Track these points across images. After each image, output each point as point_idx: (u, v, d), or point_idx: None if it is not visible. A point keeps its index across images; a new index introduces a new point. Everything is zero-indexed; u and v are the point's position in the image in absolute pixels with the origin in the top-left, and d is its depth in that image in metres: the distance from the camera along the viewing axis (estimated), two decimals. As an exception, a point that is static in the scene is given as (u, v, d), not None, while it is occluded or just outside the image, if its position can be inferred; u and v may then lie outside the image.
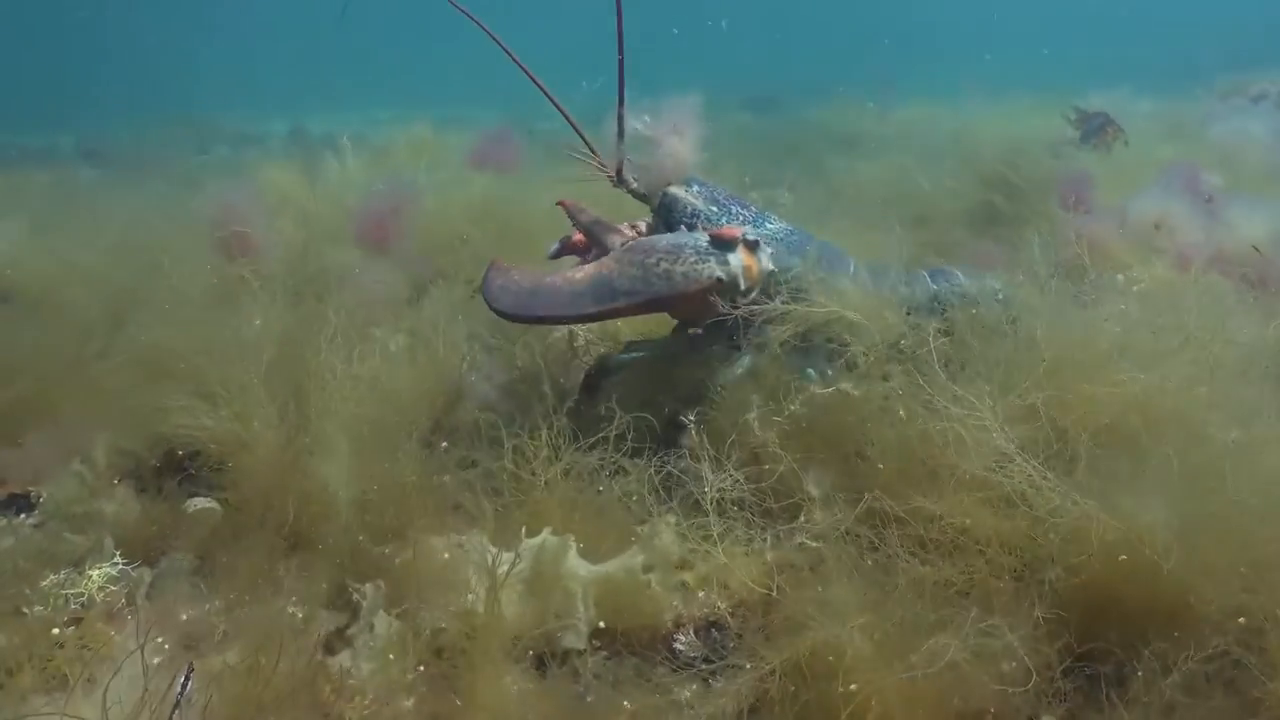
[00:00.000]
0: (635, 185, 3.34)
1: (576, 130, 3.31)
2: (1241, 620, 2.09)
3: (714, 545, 2.39)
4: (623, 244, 3.11)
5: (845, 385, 2.61)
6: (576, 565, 2.39)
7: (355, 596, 2.52)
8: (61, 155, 13.44)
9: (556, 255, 3.41)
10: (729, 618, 2.36)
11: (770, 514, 2.51)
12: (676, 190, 3.32)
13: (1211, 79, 11.51)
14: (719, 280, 2.93)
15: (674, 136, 3.26)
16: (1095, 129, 7.33)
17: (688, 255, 2.95)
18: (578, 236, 3.35)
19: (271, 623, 2.40)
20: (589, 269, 2.96)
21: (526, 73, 3.27)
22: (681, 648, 2.36)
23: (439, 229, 5.27)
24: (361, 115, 18.71)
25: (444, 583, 2.36)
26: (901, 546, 2.27)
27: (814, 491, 2.45)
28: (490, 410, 3.09)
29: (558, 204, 3.39)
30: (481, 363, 3.74)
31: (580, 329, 3.87)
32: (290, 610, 2.47)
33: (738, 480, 2.52)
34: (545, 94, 3.24)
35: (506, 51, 3.26)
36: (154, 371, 3.32)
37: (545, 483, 2.64)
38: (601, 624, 2.36)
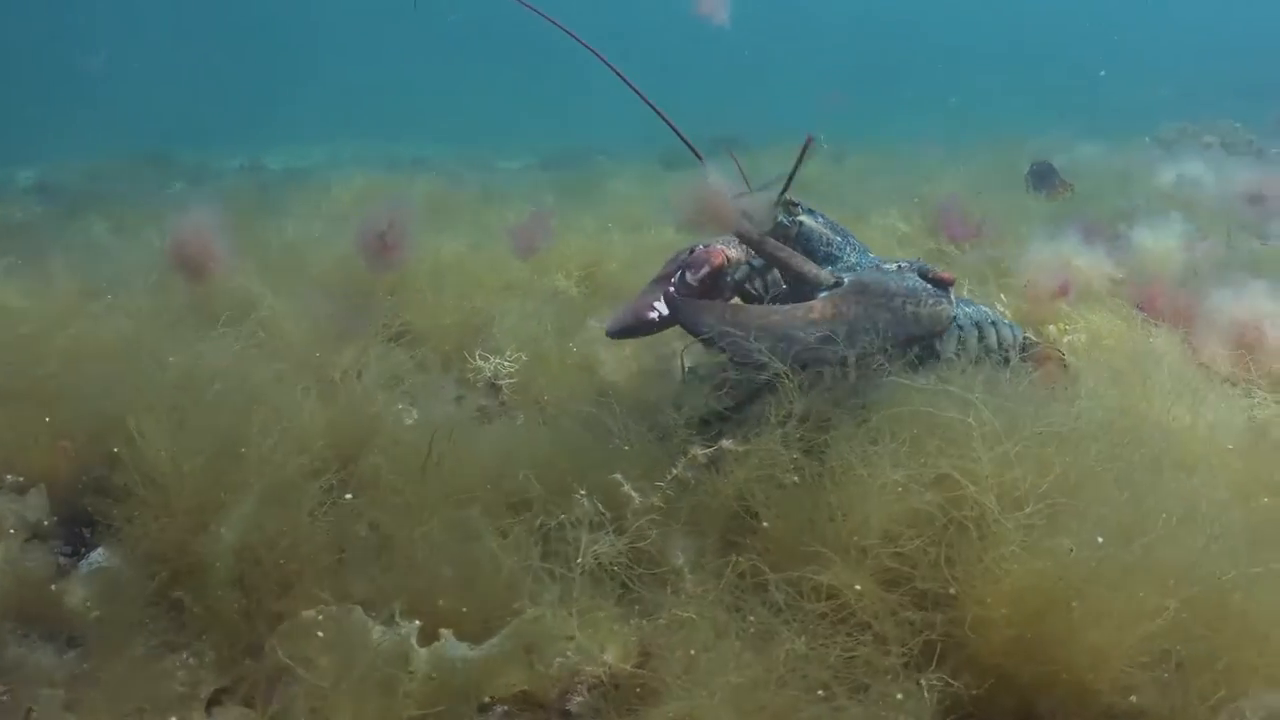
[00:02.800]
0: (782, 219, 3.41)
1: (742, 172, 3.36)
2: (1133, 699, 2.04)
3: (595, 612, 2.30)
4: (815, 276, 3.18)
5: (727, 443, 2.55)
6: (453, 650, 2.29)
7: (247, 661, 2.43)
8: (14, 189, 13.25)
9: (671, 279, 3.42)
10: (612, 686, 2.26)
11: (656, 579, 2.43)
12: (809, 221, 3.46)
13: (1159, 125, 11.76)
14: (950, 320, 3.13)
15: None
16: (1045, 179, 7.46)
17: (925, 298, 3.07)
18: (717, 260, 3.39)
19: (154, 685, 2.31)
20: (817, 310, 2.97)
21: (668, 122, 3.31)
22: (574, 709, 2.28)
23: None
24: (327, 150, 18.70)
25: (311, 660, 2.25)
26: (783, 616, 2.19)
27: (679, 561, 2.37)
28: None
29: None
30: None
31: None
32: (176, 671, 2.38)
33: (617, 545, 2.44)
34: (684, 141, 3.28)
35: (643, 98, 3.30)
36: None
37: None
38: (487, 698, 2.27)
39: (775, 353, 2.81)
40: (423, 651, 2.28)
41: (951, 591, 2.15)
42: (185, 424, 2.89)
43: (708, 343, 2.95)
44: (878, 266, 3.33)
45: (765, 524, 2.38)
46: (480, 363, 3.97)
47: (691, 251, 3.49)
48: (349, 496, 2.79)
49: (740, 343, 2.84)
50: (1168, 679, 2.04)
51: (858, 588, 2.18)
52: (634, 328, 3.28)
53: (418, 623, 2.31)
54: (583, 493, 2.63)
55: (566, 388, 3.83)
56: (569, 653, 2.25)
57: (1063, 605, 2.03)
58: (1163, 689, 2.03)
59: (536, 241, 5.17)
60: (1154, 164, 8.57)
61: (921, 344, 3.10)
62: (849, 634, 2.15)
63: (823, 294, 3.10)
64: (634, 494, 2.67)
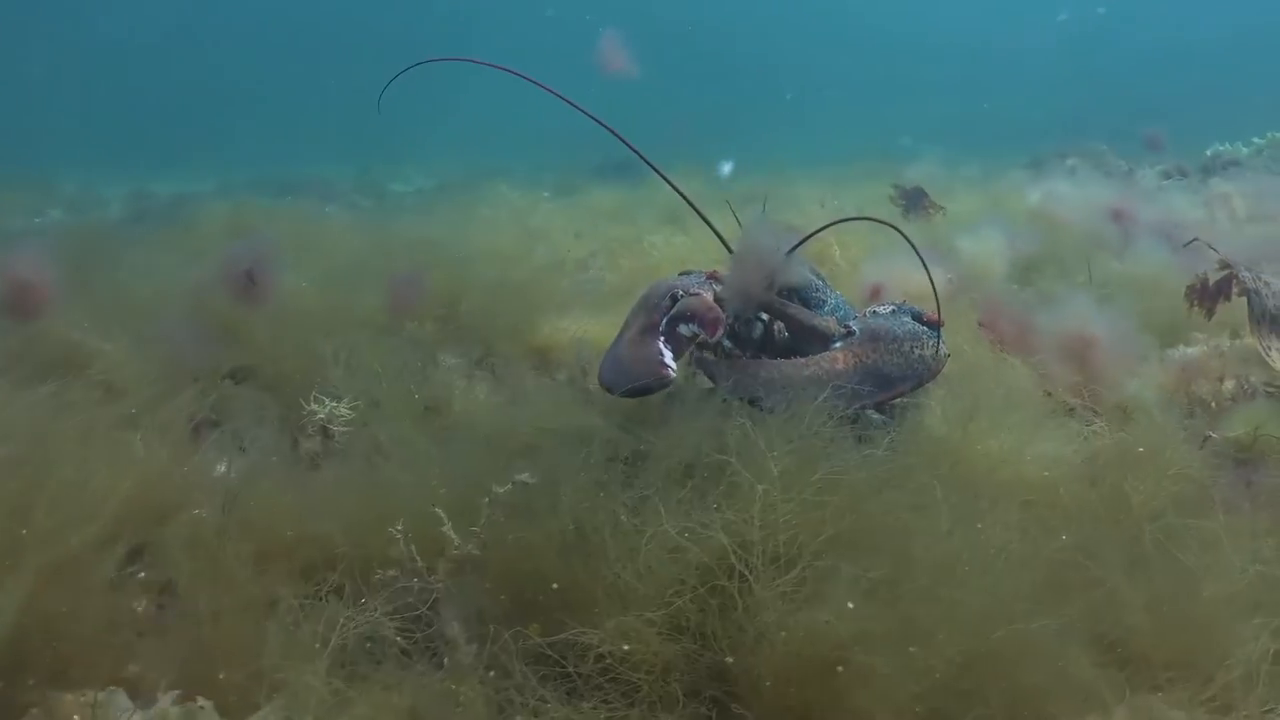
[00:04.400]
0: None
1: (710, 224, 3.39)
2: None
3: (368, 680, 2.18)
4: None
5: (524, 477, 2.47)
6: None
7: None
8: None
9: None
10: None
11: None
12: (801, 270, 3.59)
13: (1032, 147, 12.13)
14: (947, 360, 3.30)
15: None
16: (915, 203, 7.60)
17: (925, 340, 3.24)
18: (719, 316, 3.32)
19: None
20: (843, 360, 3.14)
21: (656, 170, 3.32)
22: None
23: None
24: (220, 174, 18.17)
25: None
26: (554, 685, 2.11)
27: (453, 630, 2.27)
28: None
29: (709, 276, 3.48)
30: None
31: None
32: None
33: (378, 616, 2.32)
34: (675, 189, 3.29)
35: (632, 149, 3.29)
36: None
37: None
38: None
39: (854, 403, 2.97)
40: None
41: (728, 660, 2.09)
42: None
43: (750, 402, 3.02)
44: (874, 313, 3.50)
45: (554, 585, 2.28)
46: (315, 406, 3.81)
47: (673, 298, 3.36)
48: (138, 569, 2.63)
49: (782, 399, 2.91)
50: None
51: (626, 648, 2.10)
52: (650, 387, 3.06)
53: (176, 692, 2.16)
54: (398, 529, 2.50)
55: (407, 429, 3.69)
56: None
57: (828, 669, 1.98)
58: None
59: (409, 300, 4.99)
60: (1024, 185, 8.82)
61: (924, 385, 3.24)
62: (621, 698, 2.08)
63: (837, 344, 3.25)
64: (453, 535, 2.54)
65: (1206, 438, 3.95)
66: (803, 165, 12.36)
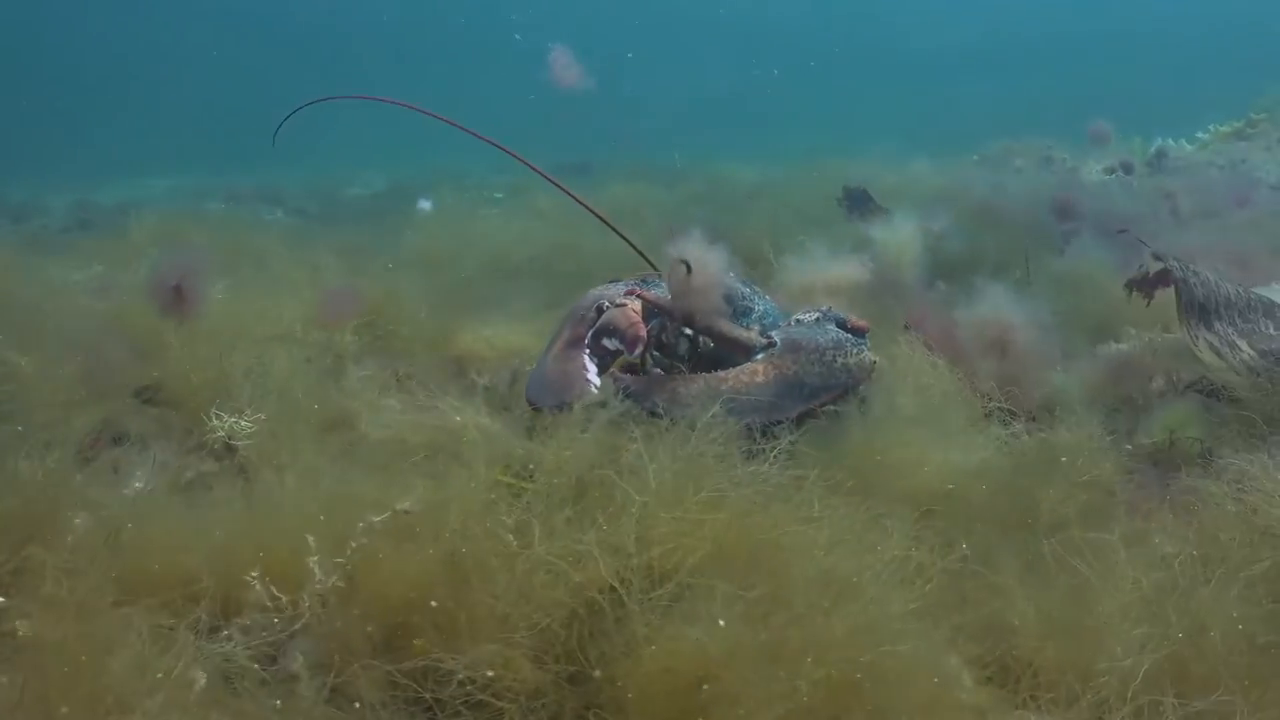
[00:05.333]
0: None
1: (640, 251, 3.58)
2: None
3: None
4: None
5: (403, 506, 2.37)
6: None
7: None
8: None
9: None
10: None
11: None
12: (728, 280, 3.51)
13: (985, 144, 12.17)
14: (874, 366, 3.27)
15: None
16: (860, 204, 7.56)
17: (849, 349, 3.21)
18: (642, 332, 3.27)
19: None
20: (762, 373, 3.09)
21: (584, 204, 3.54)
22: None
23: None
24: (170, 181, 17.88)
25: None
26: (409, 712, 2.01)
27: (294, 665, 2.17)
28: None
29: (629, 293, 3.43)
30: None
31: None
32: None
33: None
34: (604, 220, 3.50)
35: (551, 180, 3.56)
36: None
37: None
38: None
39: (732, 416, 2.80)
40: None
41: (595, 673, 2.01)
42: None
43: (655, 415, 2.95)
44: (798, 321, 3.43)
45: (429, 609, 2.18)
46: (216, 422, 3.68)
47: (598, 310, 3.35)
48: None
49: (694, 415, 2.74)
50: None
51: (490, 674, 2.01)
52: (571, 403, 3.02)
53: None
54: (253, 576, 2.39)
55: (311, 446, 3.57)
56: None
57: (693, 688, 1.90)
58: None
59: (340, 311, 4.86)
60: (972, 181, 8.82)
61: (850, 394, 3.19)
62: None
63: (758, 355, 3.19)
64: (317, 570, 2.44)
65: (1129, 437, 3.90)
66: (753, 164, 12.34)
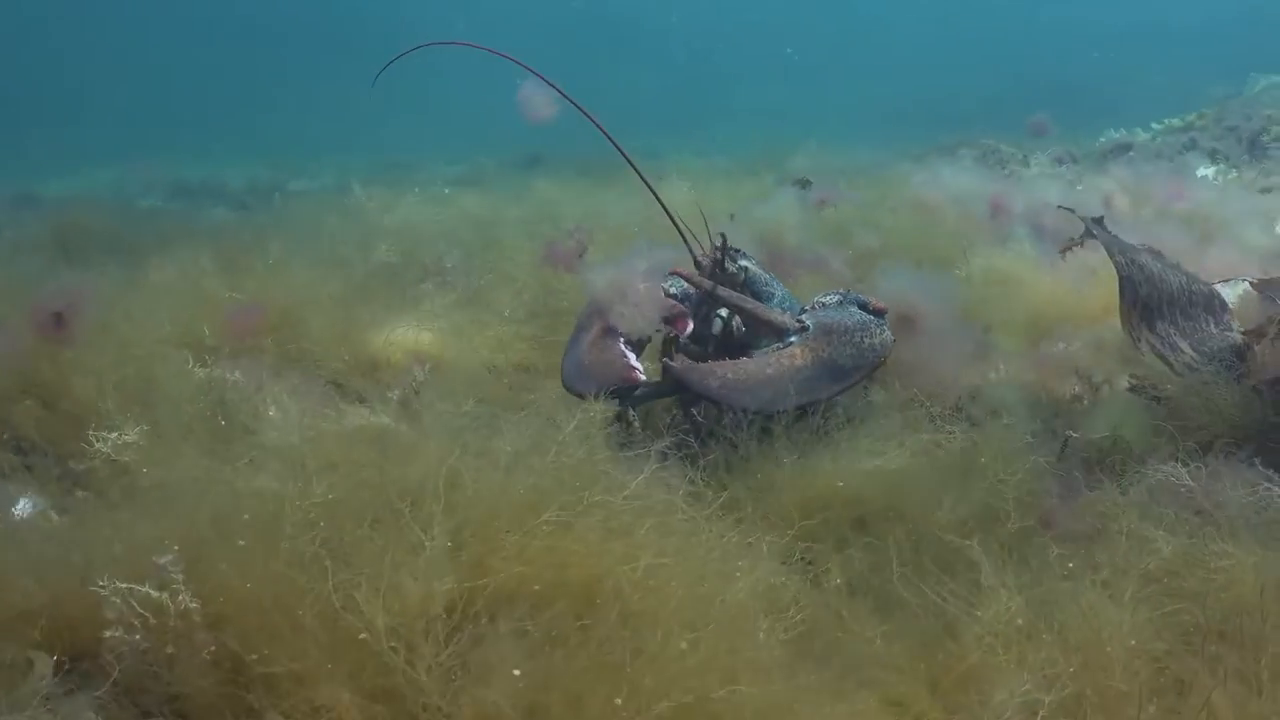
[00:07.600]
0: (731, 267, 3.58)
1: (676, 222, 3.54)
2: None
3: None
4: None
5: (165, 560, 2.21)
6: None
7: None
8: None
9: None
10: None
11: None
12: (752, 266, 3.68)
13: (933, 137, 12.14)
14: (893, 345, 3.36)
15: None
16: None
17: (874, 329, 3.29)
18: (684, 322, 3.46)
19: None
20: (800, 356, 3.15)
21: (635, 168, 3.50)
22: None
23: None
24: (115, 171, 17.36)
25: None
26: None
27: None
28: None
29: (673, 272, 3.53)
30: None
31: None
32: None
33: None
34: (649, 188, 3.45)
35: (613, 143, 3.50)
36: None
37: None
38: None
39: (776, 401, 3.02)
40: None
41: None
42: None
43: (710, 401, 3.10)
44: (822, 304, 3.49)
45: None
46: (97, 444, 3.50)
47: (622, 295, 3.40)
48: None
49: (743, 398, 3.00)
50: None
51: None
52: (619, 390, 3.17)
53: None
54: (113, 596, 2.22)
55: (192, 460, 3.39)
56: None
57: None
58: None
59: (246, 326, 4.67)
60: (910, 174, 8.75)
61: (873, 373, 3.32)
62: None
63: (792, 339, 3.25)
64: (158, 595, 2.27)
65: (1065, 440, 3.71)
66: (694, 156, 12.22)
